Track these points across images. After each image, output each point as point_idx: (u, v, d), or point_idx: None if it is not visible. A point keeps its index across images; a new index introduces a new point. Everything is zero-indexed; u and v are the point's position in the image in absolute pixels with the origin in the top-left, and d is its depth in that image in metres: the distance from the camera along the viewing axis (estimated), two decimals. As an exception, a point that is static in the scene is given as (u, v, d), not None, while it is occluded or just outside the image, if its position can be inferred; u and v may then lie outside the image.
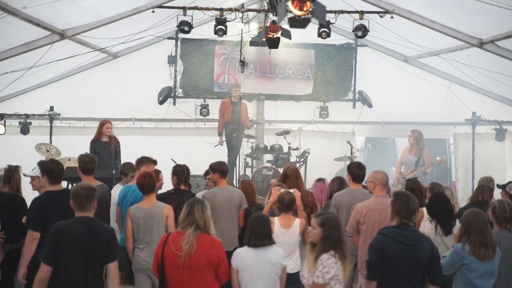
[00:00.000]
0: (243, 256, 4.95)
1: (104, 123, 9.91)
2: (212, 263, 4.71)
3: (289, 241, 5.87)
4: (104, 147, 9.71)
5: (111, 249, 4.60)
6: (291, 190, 6.13)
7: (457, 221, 5.68)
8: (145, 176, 6.14)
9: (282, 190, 6.15)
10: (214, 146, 11.47)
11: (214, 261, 4.71)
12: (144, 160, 6.84)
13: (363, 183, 6.88)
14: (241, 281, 4.93)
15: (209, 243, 4.72)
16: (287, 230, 5.88)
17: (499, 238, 5.22)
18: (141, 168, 6.75)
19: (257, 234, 4.97)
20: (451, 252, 5.05)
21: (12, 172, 6.62)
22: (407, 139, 11.91)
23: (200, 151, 11.69)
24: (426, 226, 5.73)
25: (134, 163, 7.07)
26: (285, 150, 11.69)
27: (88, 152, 9.67)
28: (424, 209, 6.20)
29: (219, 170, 6.95)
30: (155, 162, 6.96)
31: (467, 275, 4.97)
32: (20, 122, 11.83)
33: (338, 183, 7.08)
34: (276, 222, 5.87)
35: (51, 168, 5.57)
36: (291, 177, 6.91)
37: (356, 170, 6.61)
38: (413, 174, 11.12)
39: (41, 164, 5.78)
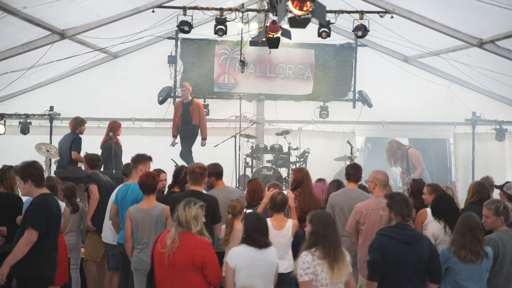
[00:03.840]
0: (243, 256, 4.87)
1: (119, 125, 10.34)
2: (196, 264, 4.60)
3: (281, 242, 5.87)
4: (117, 148, 10.09)
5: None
6: (284, 191, 6.14)
7: None
8: (148, 176, 6.12)
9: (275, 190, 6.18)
10: (214, 146, 11.46)
11: (198, 261, 4.59)
12: (140, 158, 6.83)
13: (363, 183, 6.88)
14: (238, 281, 4.83)
15: (194, 243, 4.62)
16: (279, 231, 5.88)
17: (505, 238, 5.21)
18: (138, 167, 6.75)
19: (263, 233, 4.93)
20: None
21: (5, 172, 6.60)
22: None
23: (200, 151, 11.69)
24: (434, 226, 5.74)
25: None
26: (285, 150, 11.68)
27: (104, 153, 10.14)
28: (427, 209, 6.21)
29: (213, 173, 6.77)
30: (150, 159, 6.96)
31: (453, 277, 4.99)
32: (20, 122, 11.83)
33: (336, 186, 7.08)
34: (269, 223, 5.83)
35: (32, 173, 5.31)
36: (306, 180, 6.90)
37: (350, 170, 6.66)
38: (407, 180, 11.14)
39: (19, 170, 5.37)
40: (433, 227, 5.74)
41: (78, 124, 10.16)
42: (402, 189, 11.46)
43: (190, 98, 11.52)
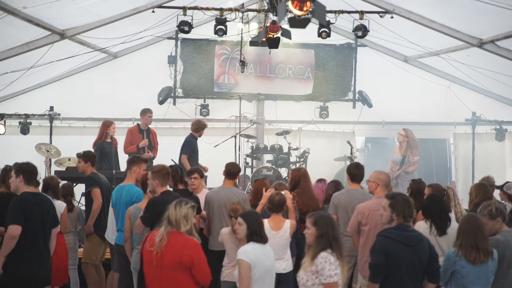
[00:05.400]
0: (258, 252, 4.73)
1: (109, 123, 10.01)
2: (184, 264, 4.59)
3: (279, 242, 5.86)
4: (110, 148, 9.80)
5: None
6: (282, 192, 6.13)
7: (452, 222, 5.72)
8: None
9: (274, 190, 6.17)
10: (215, 146, 11.46)
11: (186, 261, 4.58)
12: (136, 160, 6.84)
13: (363, 183, 6.87)
14: (252, 277, 4.67)
15: (182, 243, 4.61)
16: (277, 232, 5.87)
17: (510, 238, 5.20)
18: (132, 168, 6.74)
19: (264, 229, 4.87)
20: (444, 259, 5.03)
21: (7, 172, 6.60)
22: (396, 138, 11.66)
23: (200, 151, 11.67)
24: (421, 225, 5.74)
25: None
26: (285, 150, 11.69)
27: (96, 153, 9.82)
28: (422, 210, 6.22)
29: (227, 169, 6.89)
30: (146, 161, 6.99)
31: (460, 281, 4.94)
32: (20, 122, 11.83)
33: (334, 186, 7.05)
34: (266, 224, 5.78)
35: (26, 169, 5.54)
36: (304, 180, 6.92)
37: (354, 170, 6.60)
38: (397, 173, 11.02)
39: (14, 165, 5.65)
40: (419, 226, 5.74)
41: (200, 128, 10.06)
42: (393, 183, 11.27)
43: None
